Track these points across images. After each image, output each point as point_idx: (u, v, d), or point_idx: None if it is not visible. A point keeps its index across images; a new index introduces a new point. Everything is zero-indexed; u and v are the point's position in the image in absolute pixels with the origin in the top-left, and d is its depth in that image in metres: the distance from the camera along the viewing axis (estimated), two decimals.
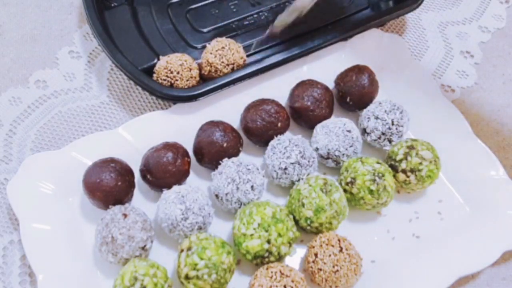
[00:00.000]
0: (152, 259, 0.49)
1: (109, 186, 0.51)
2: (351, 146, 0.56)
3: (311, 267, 0.50)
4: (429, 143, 0.57)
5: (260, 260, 0.49)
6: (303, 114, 0.59)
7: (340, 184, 0.55)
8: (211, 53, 0.60)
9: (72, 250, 0.51)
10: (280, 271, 0.48)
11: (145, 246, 0.49)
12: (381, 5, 0.72)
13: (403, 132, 0.58)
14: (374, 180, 0.52)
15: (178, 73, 0.59)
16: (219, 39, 0.62)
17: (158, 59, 0.62)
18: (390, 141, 0.58)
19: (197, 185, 0.54)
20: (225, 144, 0.55)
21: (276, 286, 0.47)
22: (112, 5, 0.67)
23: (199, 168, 0.58)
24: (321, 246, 0.49)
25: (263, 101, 0.58)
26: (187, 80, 0.59)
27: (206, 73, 0.61)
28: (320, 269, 0.49)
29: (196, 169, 0.58)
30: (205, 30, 0.68)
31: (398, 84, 0.65)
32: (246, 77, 0.60)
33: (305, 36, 0.68)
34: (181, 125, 0.59)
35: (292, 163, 0.54)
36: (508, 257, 0.55)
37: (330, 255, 0.49)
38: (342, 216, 0.52)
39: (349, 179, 0.54)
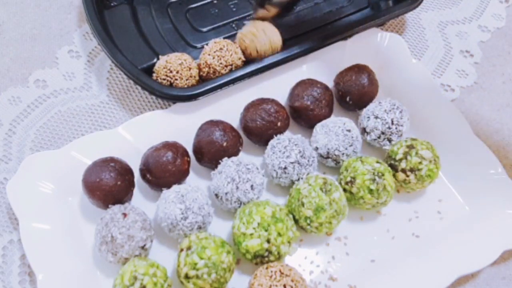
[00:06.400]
0: (152, 258, 0.49)
1: (109, 185, 0.51)
2: (350, 145, 0.56)
3: None
4: (428, 143, 0.57)
5: (259, 259, 0.49)
6: (303, 113, 0.59)
7: (340, 183, 0.55)
8: (209, 54, 0.60)
9: (72, 249, 0.51)
10: (280, 271, 0.48)
11: (144, 245, 0.49)
12: (380, 4, 0.72)
13: (403, 132, 0.58)
14: (374, 180, 0.52)
15: (177, 72, 0.59)
16: (217, 40, 0.62)
17: (158, 59, 0.62)
18: (389, 140, 0.58)
19: (196, 184, 0.54)
20: (224, 144, 0.55)
21: (276, 285, 0.47)
22: (112, 4, 0.67)
23: (198, 168, 0.58)
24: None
25: (262, 101, 0.58)
26: (186, 80, 0.59)
27: (204, 74, 0.61)
28: None
29: (195, 168, 0.58)
30: (204, 29, 0.68)
31: (397, 83, 0.65)
32: (246, 77, 0.60)
33: (305, 36, 0.68)
34: (180, 125, 0.59)
35: (292, 163, 0.54)
36: (508, 257, 0.55)
37: None
38: (341, 215, 0.52)
39: (348, 179, 0.54)
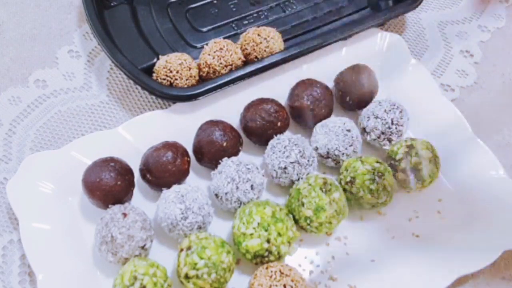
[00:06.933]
0: (152, 258, 0.49)
1: (109, 185, 0.51)
2: (350, 145, 0.56)
3: None
4: (428, 142, 0.57)
5: (259, 259, 0.49)
6: (303, 113, 0.59)
7: (340, 183, 0.55)
8: (209, 54, 0.60)
9: (72, 249, 0.51)
10: (280, 271, 0.48)
11: (144, 245, 0.49)
12: (380, 4, 0.72)
13: (403, 132, 0.58)
14: (374, 180, 0.52)
15: (177, 72, 0.59)
16: (217, 40, 0.62)
17: (158, 59, 0.62)
18: (389, 140, 0.58)
19: (196, 184, 0.54)
20: (224, 144, 0.55)
21: (276, 285, 0.47)
22: (112, 4, 0.67)
23: (198, 168, 0.58)
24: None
25: (262, 101, 0.58)
26: (186, 80, 0.59)
27: (204, 74, 0.61)
28: None
29: (195, 168, 0.58)
30: (204, 29, 0.68)
31: (397, 83, 0.65)
32: (246, 77, 0.60)
33: (305, 36, 0.68)
34: (180, 125, 0.59)
35: (292, 163, 0.54)
36: (508, 257, 0.55)
37: None
38: (341, 215, 0.52)
39: (348, 179, 0.54)
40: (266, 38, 0.61)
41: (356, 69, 0.61)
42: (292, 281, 0.47)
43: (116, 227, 0.48)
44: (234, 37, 0.66)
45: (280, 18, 0.70)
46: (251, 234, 0.48)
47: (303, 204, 0.51)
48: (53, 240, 0.50)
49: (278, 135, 0.56)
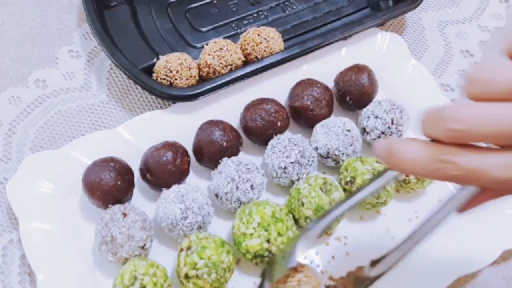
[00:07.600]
0: (152, 258, 0.49)
1: (109, 185, 0.51)
2: (350, 145, 0.56)
3: None
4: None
5: (259, 259, 0.49)
6: (303, 113, 0.59)
7: (340, 183, 0.55)
8: (209, 54, 0.60)
9: (72, 249, 0.51)
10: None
11: (144, 245, 0.49)
12: (380, 4, 0.72)
13: (403, 132, 0.58)
14: (374, 180, 0.52)
15: (177, 72, 0.59)
16: (217, 40, 0.62)
17: (158, 58, 0.62)
18: None
19: (196, 184, 0.54)
20: (224, 144, 0.55)
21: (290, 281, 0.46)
22: (112, 4, 0.67)
23: (198, 168, 0.58)
24: None
25: (262, 101, 0.58)
26: (186, 79, 0.59)
27: (204, 74, 0.61)
28: None
29: (195, 168, 0.58)
30: (204, 29, 0.68)
31: (397, 83, 0.65)
32: (246, 76, 0.60)
33: (305, 36, 0.68)
34: (180, 125, 0.59)
35: (292, 162, 0.54)
36: (508, 256, 0.55)
37: None
38: (341, 215, 0.52)
39: (348, 178, 0.54)
40: (266, 38, 0.61)
41: (356, 69, 0.61)
42: (305, 277, 0.47)
43: (116, 227, 0.48)
44: (234, 37, 0.66)
45: (280, 18, 0.70)
46: (251, 234, 0.48)
47: (303, 204, 0.51)
48: (53, 240, 0.50)
49: (278, 135, 0.56)
